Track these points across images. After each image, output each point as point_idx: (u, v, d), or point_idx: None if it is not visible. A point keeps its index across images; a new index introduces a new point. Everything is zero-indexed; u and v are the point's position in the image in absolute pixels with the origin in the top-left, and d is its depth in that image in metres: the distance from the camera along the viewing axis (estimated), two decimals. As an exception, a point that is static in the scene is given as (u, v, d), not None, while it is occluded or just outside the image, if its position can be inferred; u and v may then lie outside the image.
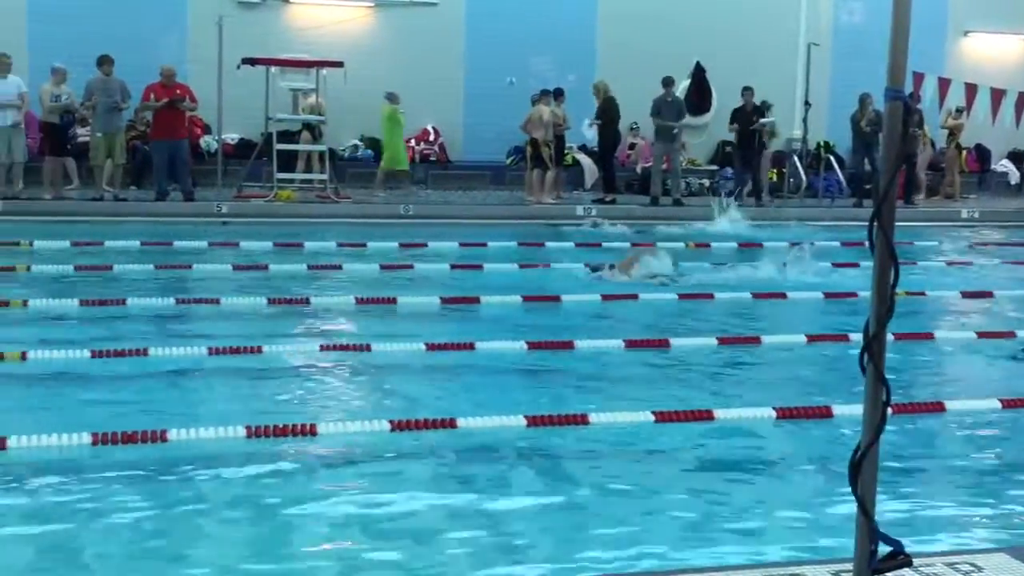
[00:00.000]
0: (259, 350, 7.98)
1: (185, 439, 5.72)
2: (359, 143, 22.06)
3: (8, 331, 8.90)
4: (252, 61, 18.58)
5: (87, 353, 7.70)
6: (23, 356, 7.56)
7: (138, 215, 16.78)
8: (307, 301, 10.19)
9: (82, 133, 19.11)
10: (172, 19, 20.55)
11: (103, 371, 7.47)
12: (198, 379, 7.46)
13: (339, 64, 19.08)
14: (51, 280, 11.25)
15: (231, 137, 20.58)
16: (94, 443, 5.57)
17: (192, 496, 5.16)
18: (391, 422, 6.07)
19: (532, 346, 8.38)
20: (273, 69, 19.12)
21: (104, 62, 17.69)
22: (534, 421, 6.22)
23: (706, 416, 6.51)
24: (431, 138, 22.47)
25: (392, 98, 19.74)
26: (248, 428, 5.80)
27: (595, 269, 12.08)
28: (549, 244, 15.11)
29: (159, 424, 5.90)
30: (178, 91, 17.96)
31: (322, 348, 8.20)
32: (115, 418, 6.24)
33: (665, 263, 12.02)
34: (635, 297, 10.75)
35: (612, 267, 11.91)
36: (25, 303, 9.61)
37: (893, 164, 2.64)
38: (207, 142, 20.66)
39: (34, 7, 19.93)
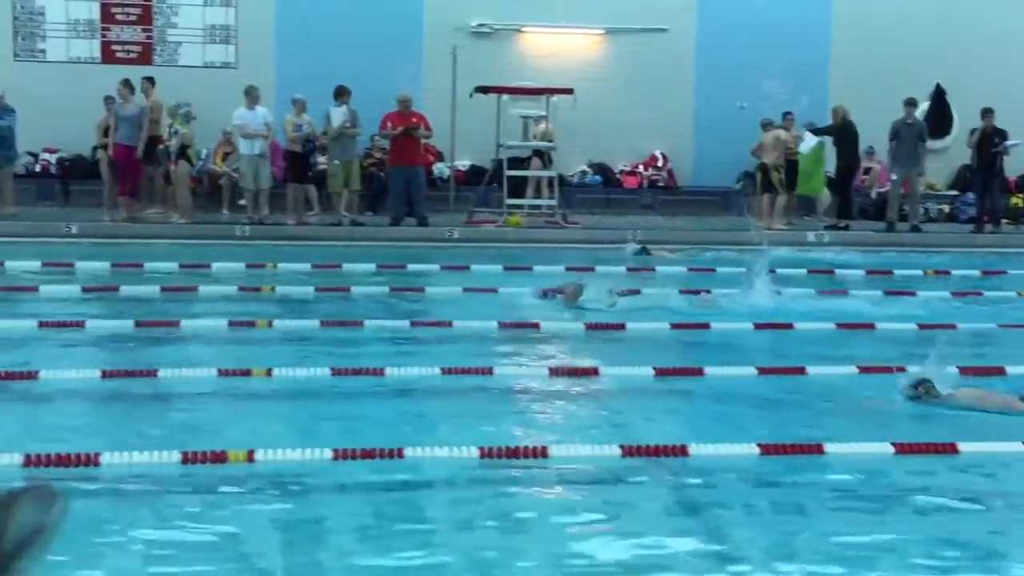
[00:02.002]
0: (489, 371, 8.09)
1: (420, 457, 5.84)
2: (587, 169, 22.20)
3: (255, 349, 9.31)
4: (484, 89, 18.98)
5: (327, 371, 7.97)
6: (269, 372, 7.89)
7: (374, 239, 17.33)
8: (537, 326, 10.27)
9: (322, 161, 19.90)
10: (409, 50, 21.18)
11: (342, 388, 7.72)
12: (431, 399, 7.62)
13: (569, 91, 19.28)
14: (294, 301, 11.72)
15: (463, 164, 21.04)
16: (335, 458, 5.75)
17: (425, 514, 5.26)
18: (622, 447, 6.05)
19: (762, 372, 8.23)
20: (504, 96, 19.47)
21: (341, 93, 18.40)
22: (768, 450, 6.08)
23: (950, 449, 6.23)
24: (659, 164, 22.41)
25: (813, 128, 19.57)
26: (481, 449, 5.88)
27: (546, 294, 11.89)
28: (778, 271, 14.79)
29: (395, 442, 6.05)
30: (414, 119, 18.50)
31: (551, 372, 8.25)
32: (353, 434, 6.44)
33: (602, 291, 11.77)
34: (871, 327, 10.43)
35: (555, 293, 11.75)
36: (270, 323, 10.03)
37: None
38: (439, 169, 21.17)
39: (281, 41, 20.88)
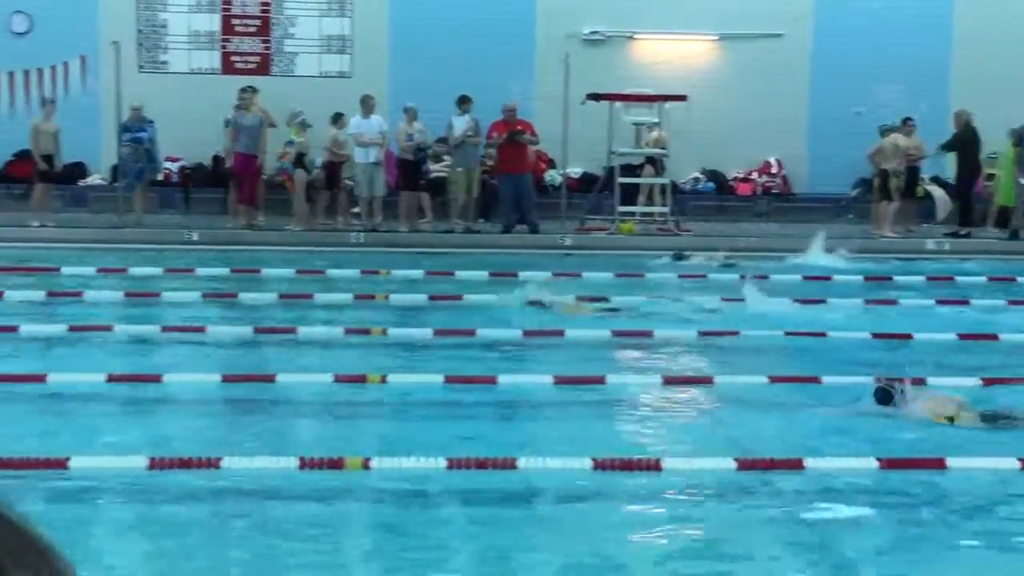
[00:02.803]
0: (602, 380, 8.08)
1: (533, 468, 5.86)
2: (700, 176, 22.03)
3: (369, 356, 9.43)
4: (597, 96, 18.97)
5: (440, 378, 8.03)
6: (383, 379, 7.98)
7: (486, 247, 17.41)
8: (650, 334, 10.22)
9: (434, 168, 20.06)
10: (521, 58, 21.25)
11: (455, 396, 7.77)
12: (544, 408, 7.64)
13: (682, 98, 19.15)
14: (407, 308, 11.81)
15: (574, 171, 21.03)
16: (449, 467, 5.80)
17: (536, 524, 5.28)
18: (737, 460, 5.99)
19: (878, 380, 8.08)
20: (617, 104, 19.43)
21: (463, 101, 18.58)
22: (889, 464, 5.97)
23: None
24: (773, 170, 22.14)
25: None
26: (595, 460, 5.87)
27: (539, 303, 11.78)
28: (897, 279, 14.53)
29: (506, 451, 6.07)
30: (519, 127, 18.58)
31: (665, 381, 8.21)
32: (464, 443, 6.49)
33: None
34: (995, 338, 10.17)
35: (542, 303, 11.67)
36: (384, 331, 10.15)
37: None
38: (551, 176, 21.20)
39: (395, 51, 21.12)
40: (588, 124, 19.00)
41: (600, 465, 5.80)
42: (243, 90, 18.49)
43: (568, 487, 5.73)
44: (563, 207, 19.24)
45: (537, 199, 19.52)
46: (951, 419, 7.13)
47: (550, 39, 21.00)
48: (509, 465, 5.82)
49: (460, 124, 18.67)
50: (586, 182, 20.96)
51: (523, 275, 13.08)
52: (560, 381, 7.98)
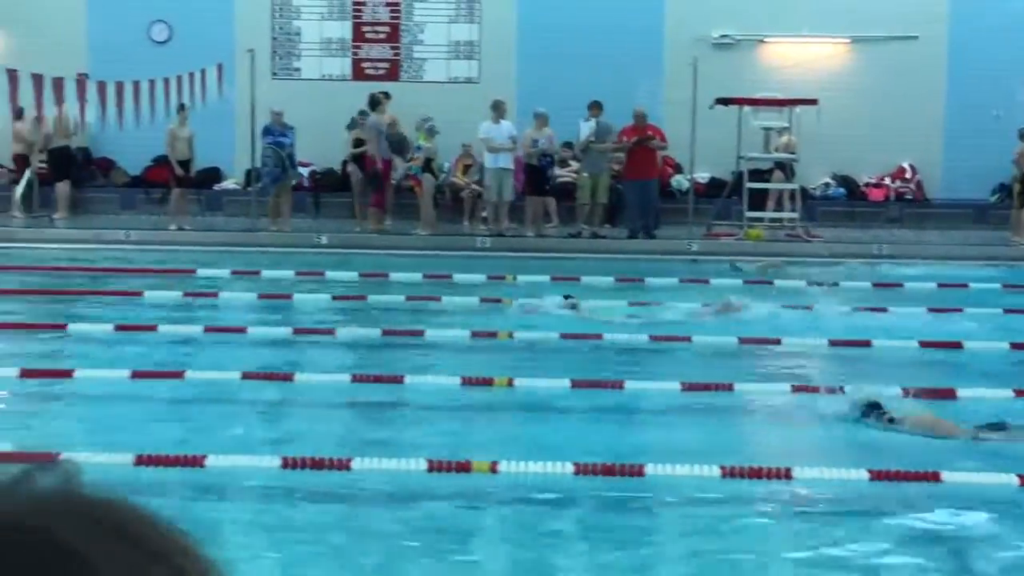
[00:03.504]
0: (730, 388, 7.98)
1: (662, 474, 5.81)
2: (831, 181, 21.63)
3: (492, 358, 9.46)
4: (726, 101, 18.77)
5: (567, 383, 8.02)
6: (510, 383, 8.00)
7: (612, 252, 17.35)
8: (778, 341, 10.07)
9: (561, 173, 20.06)
10: (649, 62, 21.13)
11: (581, 403, 7.76)
12: (670, 415, 7.57)
13: (813, 102, 18.83)
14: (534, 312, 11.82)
15: (702, 176, 20.84)
16: (576, 472, 5.79)
17: (660, 531, 5.23)
18: (870, 471, 5.86)
19: (1019, 393, 7.83)
20: (746, 108, 19.20)
21: (592, 107, 18.60)
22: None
23: None
24: (907, 175, 21.64)
25: None
26: (723, 468, 5.80)
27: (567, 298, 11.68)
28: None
29: (636, 456, 6.04)
30: (648, 132, 18.48)
31: (794, 389, 8.08)
32: (591, 448, 6.46)
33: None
34: None
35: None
36: (511, 334, 10.18)
37: None
38: (678, 181, 21.05)
39: (522, 56, 21.19)
40: (716, 128, 18.82)
41: (729, 473, 5.74)
42: (383, 95, 18.86)
43: (697, 494, 5.68)
44: (690, 212, 19.08)
45: (664, 204, 19.40)
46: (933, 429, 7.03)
47: (679, 43, 20.85)
48: (636, 472, 5.79)
49: (585, 130, 18.69)
50: (714, 187, 20.75)
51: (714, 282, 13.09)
52: (688, 388, 7.91)
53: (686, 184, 20.25)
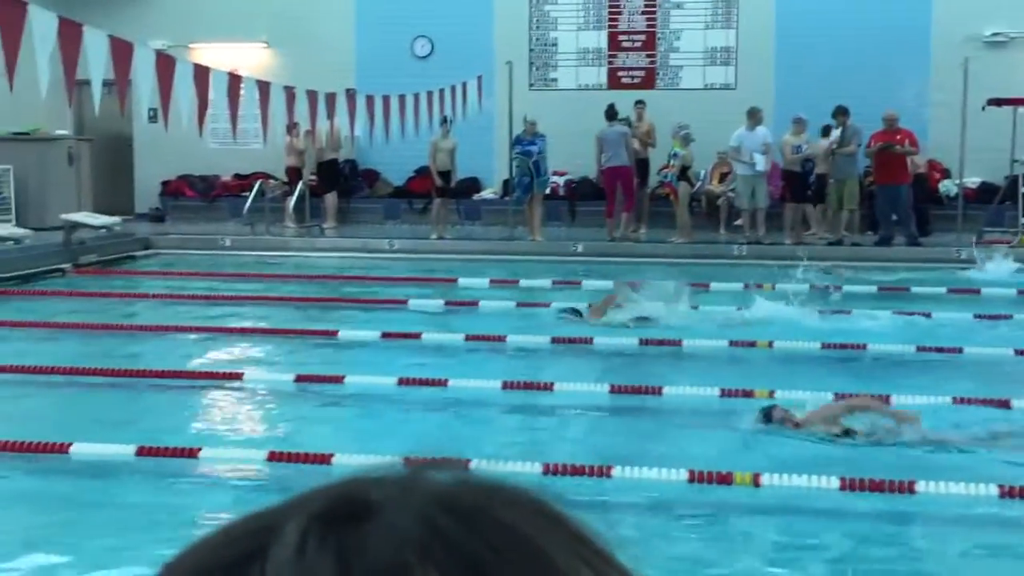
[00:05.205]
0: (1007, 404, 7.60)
1: (934, 492, 5.59)
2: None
3: (753, 369, 9.30)
4: (999, 102, 17.89)
5: (829, 396, 7.81)
6: (771, 394, 7.85)
7: (871, 260, 16.77)
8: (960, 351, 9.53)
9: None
10: (915, 64, 20.38)
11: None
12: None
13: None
14: (795, 322, 11.54)
15: (972, 181, 19.93)
16: (841, 488, 5.64)
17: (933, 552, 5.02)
18: (1000, 487, 5.52)
19: None
20: (1021, 109, 18.23)
21: (836, 113, 18.08)
22: None
23: None
24: None
25: None
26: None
27: (574, 311, 11.09)
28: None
29: (903, 474, 5.82)
30: (898, 137, 17.82)
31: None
32: (857, 464, 6.26)
33: (652, 302, 11.05)
34: None
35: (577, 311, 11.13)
36: (770, 343, 9.99)
37: None
38: (946, 186, 20.20)
39: (781, 60, 20.78)
40: (988, 131, 17.99)
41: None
42: (638, 103, 18.99)
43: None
44: (959, 219, 18.29)
45: (932, 210, 18.69)
46: (847, 432, 6.78)
47: (947, 42, 20.03)
48: (908, 489, 5.58)
49: (833, 136, 18.28)
50: (985, 192, 19.82)
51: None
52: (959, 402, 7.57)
53: (954, 189, 19.43)
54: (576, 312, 11.51)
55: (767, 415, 7.10)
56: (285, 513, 0.58)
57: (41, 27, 9.12)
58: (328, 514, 0.56)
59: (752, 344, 10.05)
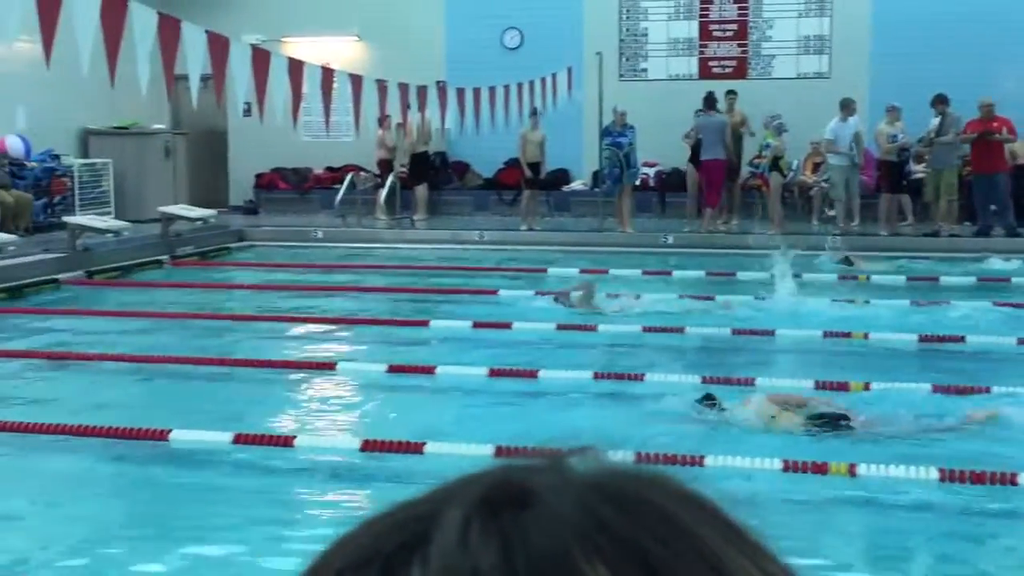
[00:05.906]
0: None
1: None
2: None
3: (850, 362, 9.18)
4: (1101, 88, 17.42)
5: (928, 387, 7.69)
6: (867, 387, 7.75)
7: (970, 251, 16.41)
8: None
9: (916, 169, 19.25)
10: (1015, 50, 19.90)
11: (939, 407, 7.40)
12: None
13: None
14: (887, 313, 11.39)
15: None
16: (941, 479, 5.55)
17: None
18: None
19: None
20: (1125, 95, 17.74)
21: (935, 102, 17.73)
22: None
23: None
24: None
25: None
26: None
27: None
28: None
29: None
30: (995, 124, 17.41)
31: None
32: (957, 457, 6.16)
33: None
34: None
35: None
36: (866, 335, 9.86)
37: None
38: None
39: (876, 49, 20.43)
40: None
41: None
42: (729, 93, 18.89)
43: None
44: (1061, 209, 17.84)
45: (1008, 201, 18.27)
46: (773, 418, 6.79)
47: (1049, 27, 19.55)
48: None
49: (931, 124, 17.91)
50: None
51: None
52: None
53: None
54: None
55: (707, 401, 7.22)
56: (442, 501, 0.57)
57: (141, 23, 9.32)
58: (488, 501, 0.56)
59: (848, 335, 9.93)
